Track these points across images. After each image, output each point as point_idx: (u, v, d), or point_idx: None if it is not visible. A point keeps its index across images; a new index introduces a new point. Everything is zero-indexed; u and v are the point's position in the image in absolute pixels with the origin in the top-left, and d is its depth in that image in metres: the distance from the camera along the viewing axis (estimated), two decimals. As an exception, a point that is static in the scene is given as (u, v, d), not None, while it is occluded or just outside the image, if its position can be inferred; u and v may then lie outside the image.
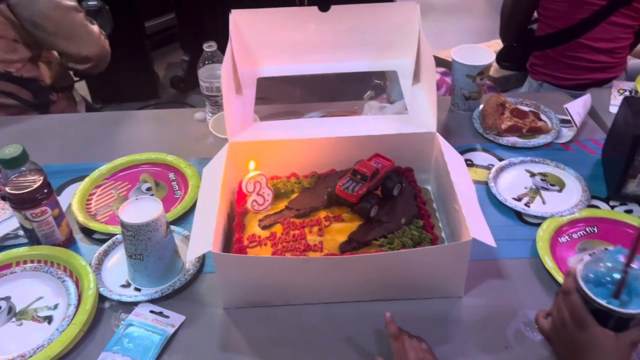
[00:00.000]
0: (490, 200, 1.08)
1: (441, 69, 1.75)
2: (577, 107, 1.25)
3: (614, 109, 1.28)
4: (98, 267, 0.96)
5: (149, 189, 1.14)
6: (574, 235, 1.00)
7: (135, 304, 0.90)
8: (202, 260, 0.96)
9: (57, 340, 0.83)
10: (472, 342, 0.84)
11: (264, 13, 1.13)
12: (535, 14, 1.65)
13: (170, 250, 0.91)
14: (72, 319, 0.86)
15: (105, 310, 0.90)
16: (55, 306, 0.90)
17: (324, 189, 1.01)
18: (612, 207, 1.06)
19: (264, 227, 0.95)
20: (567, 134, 1.24)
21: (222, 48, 1.11)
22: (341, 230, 0.95)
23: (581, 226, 1.01)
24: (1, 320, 0.88)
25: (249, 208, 0.98)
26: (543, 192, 1.09)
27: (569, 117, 1.23)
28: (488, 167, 1.16)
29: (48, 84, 1.45)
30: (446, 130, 1.28)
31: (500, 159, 1.18)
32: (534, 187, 1.11)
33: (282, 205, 1.00)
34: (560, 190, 1.10)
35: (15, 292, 0.92)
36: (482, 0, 3.84)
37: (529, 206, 1.06)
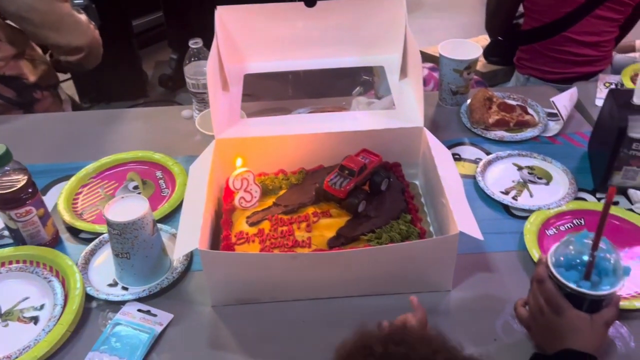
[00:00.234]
0: (478, 194, 1.08)
1: (429, 65, 1.75)
2: (564, 100, 1.25)
3: (600, 102, 1.29)
4: (85, 267, 0.95)
5: (136, 188, 1.13)
6: (561, 228, 1.00)
7: (123, 303, 0.89)
8: (190, 258, 0.96)
9: (43, 340, 0.82)
10: (461, 335, 0.83)
11: (250, 9, 1.13)
12: (522, 8, 1.65)
13: (157, 248, 0.90)
14: (58, 319, 0.85)
15: (92, 310, 0.89)
16: (42, 306, 0.89)
17: (312, 185, 1.01)
18: (599, 200, 1.06)
19: (251, 224, 0.95)
20: (554, 127, 1.25)
21: (209, 45, 1.11)
22: (329, 225, 0.95)
23: (568, 219, 1.02)
24: (-13, 322, 0.87)
25: (236, 205, 0.97)
26: (530, 186, 1.10)
27: (555, 111, 1.24)
28: (476, 161, 1.16)
29: (32, 82, 1.43)
30: (434, 124, 1.29)
31: (488, 153, 1.18)
32: (521, 180, 1.11)
33: (269, 201, 1.00)
34: (547, 183, 1.10)
35: (1, 292, 0.91)
36: (471, -4, 3.85)
37: (516, 199, 1.06)
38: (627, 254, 0.95)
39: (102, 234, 0.99)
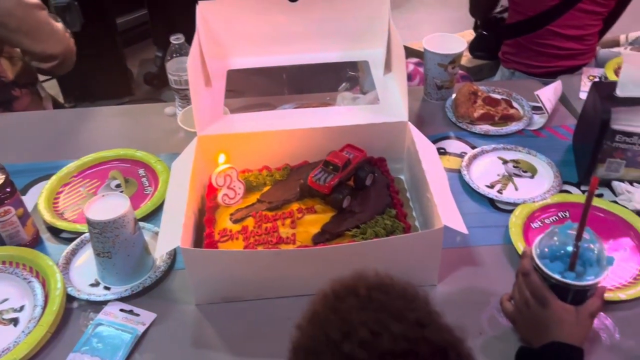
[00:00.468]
0: (464, 188, 1.08)
1: (415, 59, 1.75)
2: (548, 93, 1.26)
3: (584, 95, 1.29)
4: (66, 267, 0.93)
5: (118, 186, 1.12)
6: (546, 221, 1.00)
7: (105, 303, 0.88)
8: (173, 256, 0.95)
9: (23, 342, 0.81)
10: (447, 330, 0.84)
11: (232, 4, 1.12)
12: (506, 2, 1.65)
13: (139, 247, 0.89)
14: (38, 321, 0.84)
15: (73, 311, 0.88)
16: (21, 308, 0.87)
17: (296, 181, 1.00)
18: (583, 192, 1.07)
19: (235, 221, 0.94)
20: (539, 120, 1.25)
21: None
22: (314, 221, 0.94)
23: (553, 211, 1.02)
24: (-35, 324, 0.86)
25: (219, 202, 0.96)
26: (515, 179, 1.10)
27: (540, 104, 1.24)
28: (461, 155, 1.16)
29: (10, 80, 1.41)
30: (419, 119, 1.28)
31: (473, 147, 1.18)
32: (506, 174, 1.11)
33: (253, 198, 0.99)
34: (532, 177, 1.10)
35: (-20, 294, 0.90)
36: (457, -8, 3.86)
37: (501, 193, 1.06)
38: (612, 246, 0.95)
39: (84, 233, 0.98)
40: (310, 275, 0.86)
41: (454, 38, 1.31)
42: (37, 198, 1.07)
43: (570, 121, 1.24)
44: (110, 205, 0.85)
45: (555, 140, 1.20)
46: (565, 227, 0.74)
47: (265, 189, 1.01)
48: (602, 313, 0.83)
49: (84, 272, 0.93)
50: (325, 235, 0.91)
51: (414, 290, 0.52)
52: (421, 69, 1.59)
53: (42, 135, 1.27)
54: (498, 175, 1.11)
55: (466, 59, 2.09)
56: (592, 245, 0.72)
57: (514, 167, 1.12)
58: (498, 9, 1.84)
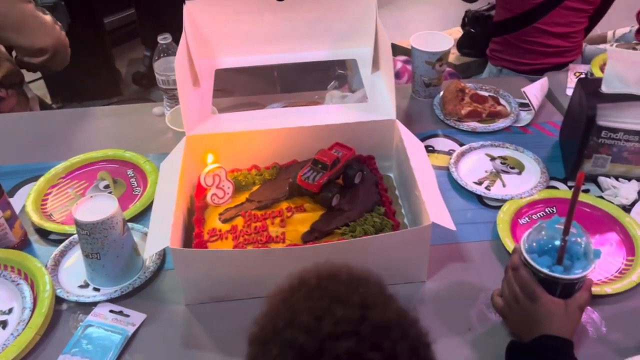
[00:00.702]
0: (452, 185, 1.09)
1: (403, 58, 1.75)
2: (535, 90, 1.27)
3: (570, 92, 1.30)
4: (55, 269, 0.93)
5: (106, 187, 1.11)
6: (534, 217, 1.01)
7: (94, 304, 0.87)
8: (162, 257, 0.95)
9: (12, 345, 0.80)
10: (436, 326, 0.84)
11: (219, 3, 1.12)
12: (494, 0, 1.66)
13: (128, 248, 0.89)
14: (27, 323, 0.83)
15: (62, 312, 0.87)
16: (10, 310, 0.87)
17: (286, 180, 1.00)
18: (570, 188, 1.08)
19: (224, 221, 0.94)
20: (526, 117, 1.26)
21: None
22: (303, 220, 0.94)
23: (540, 207, 1.03)
24: (-47, 328, 0.85)
25: (208, 202, 0.96)
26: (503, 175, 1.10)
27: (527, 101, 1.25)
28: (449, 153, 1.16)
29: (-5, 80, 1.40)
30: (408, 117, 1.29)
31: (461, 144, 1.19)
32: (494, 170, 1.12)
33: (242, 197, 0.99)
34: (519, 173, 1.11)
35: (-33, 298, 0.89)
36: (445, -11, 3.87)
37: (489, 189, 1.07)
38: (598, 241, 0.96)
39: (72, 234, 0.97)
40: (299, 273, 0.86)
41: (441, 36, 1.31)
42: (24, 200, 1.06)
43: (557, 117, 1.26)
44: (99, 206, 0.85)
45: (542, 136, 1.21)
46: (553, 222, 0.75)
47: (255, 188, 1.02)
48: (589, 307, 0.84)
49: (73, 274, 0.92)
50: (314, 234, 0.91)
51: (365, 276, 0.54)
52: (409, 67, 1.60)
53: (29, 137, 1.27)
54: (486, 172, 1.11)
55: (454, 57, 2.10)
56: (579, 239, 0.73)
57: (501, 163, 1.13)
58: (485, 6, 1.85)
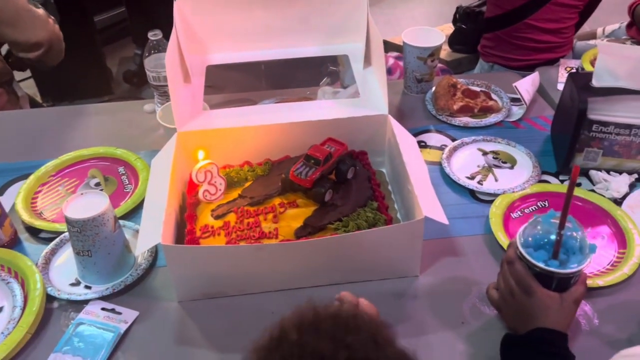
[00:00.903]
0: (444, 179, 1.09)
1: (395, 54, 1.75)
2: (526, 85, 1.27)
3: (561, 86, 1.31)
4: (45, 267, 0.92)
5: (97, 185, 1.10)
6: (526, 211, 1.01)
7: (86, 302, 0.87)
8: (154, 253, 0.94)
9: (2, 344, 0.79)
10: (430, 320, 0.84)
11: (209, 0, 1.11)
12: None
13: (119, 245, 0.88)
14: (18, 322, 0.82)
15: (54, 311, 0.87)
16: (0, 309, 0.86)
17: (278, 176, 1.00)
18: (562, 181, 1.08)
19: (216, 217, 0.94)
20: (517, 112, 1.26)
21: (171, 37, 1.08)
22: (296, 216, 0.94)
23: (532, 201, 1.03)
24: (-58, 327, 0.84)
25: (200, 198, 0.96)
26: (495, 170, 1.11)
27: (518, 96, 1.25)
28: (441, 148, 1.17)
29: (-15, 79, 1.39)
30: (400, 113, 1.29)
31: (453, 140, 1.19)
32: (486, 165, 1.12)
33: (235, 194, 0.99)
34: (511, 167, 1.11)
35: (-43, 297, 0.88)
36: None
37: (481, 184, 1.07)
38: (590, 234, 0.97)
39: (63, 232, 0.96)
40: (293, 269, 0.86)
41: (432, 31, 1.31)
42: (14, 198, 1.05)
43: (549, 112, 1.26)
44: (89, 204, 0.84)
45: (534, 131, 1.21)
46: (548, 216, 0.75)
47: (247, 184, 1.01)
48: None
49: (64, 272, 0.92)
50: (307, 229, 0.91)
51: (354, 320, 0.48)
52: (401, 63, 1.60)
53: (19, 135, 1.25)
54: (478, 166, 1.12)
55: (446, 53, 2.10)
56: (574, 234, 0.73)
57: (493, 158, 1.13)
58: (476, 2, 1.85)
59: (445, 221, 0.83)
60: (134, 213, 1.02)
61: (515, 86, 1.25)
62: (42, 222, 1.00)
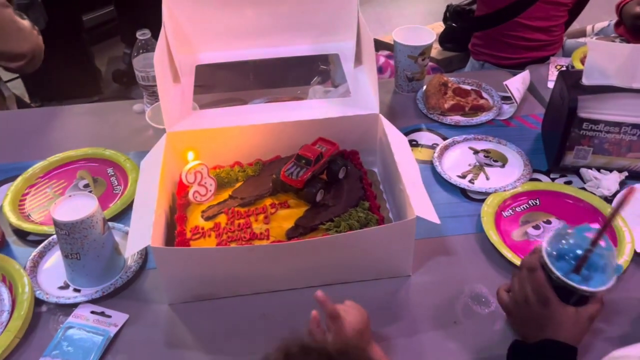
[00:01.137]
0: (436, 178, 1.09)
1: (386, 52, 1.75)
2: (517, 83, 1.27)
3: (552, 85, 1.31)
4: (34, 270, 0.91)
5: (86, 186, 1.09)
6: (517, 209, 1.01)
7: (75, 305, 0.86)
8: (144, 256, 0.93)
9: (-10, 349, 0.78)
10: (422, 319, 0.84)
11: (198, -2, 1.10)
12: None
13: (109, 247, 0.87)
14: (5, 326, 0.81)
15: (42, 315, 0.86)
16: (-13, 314, 0.85)
17: (269, 176, 0.99)
18: (553, 180, 1.08)
19: (207, 218, 0.93)
20: (508, 110, 1.26)
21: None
22: (287, 216, 0.93)
23: (524, 199, 1.03)
24: None
25: (190, 199, 0.95)
26: (486, 168, 1.11)
27: (509, 94, 1.25)
28: (433, 147, 1.16)
29: (-29, 80, 1.37)
30: (391, 112, 1.28)
31: (445, 138, 1.19)
32: (477, 163, 1.12)
33: (225, 194, 0.98)
34: (503, 166, 1.11)
35: (-57, 301, 0.87)
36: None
37: (473, 183, 1.07)
38: (581, 232, 0.97)
39: (51, 235, 0.95)
40: (284, 270, 0.86)
41: (423, 30, 1.31)
42: (2, 200, 1.04)
43: (539, 110, 1.26)
44: (78, 206, 0.83)
45: (525, 129, 1.22)
46: (582, 229, 0.71)
47: (238, 185, 1.00)
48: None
49: (53, 275, 0.90)
50: (299, 230, 0.90)
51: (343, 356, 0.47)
52: (392, 62, 1.59)
53: (6, 136, 1.24)
54: (469, 165, 1.12)
55: (436, 51, 2.10)
56: (605, 252, 0.70)
57: (484, 156, 1.13)
58: (467, 1, 1.85)
59: (436, 220, 0.82)
60: (124, 215, 1.01)
61: (506, 84, 1.25)
62: (30, 225, 0.99)
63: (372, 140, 1.07)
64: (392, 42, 1.30)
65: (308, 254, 0.84)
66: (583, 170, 1.07)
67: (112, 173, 1.11)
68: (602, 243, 0.70)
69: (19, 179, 1.08)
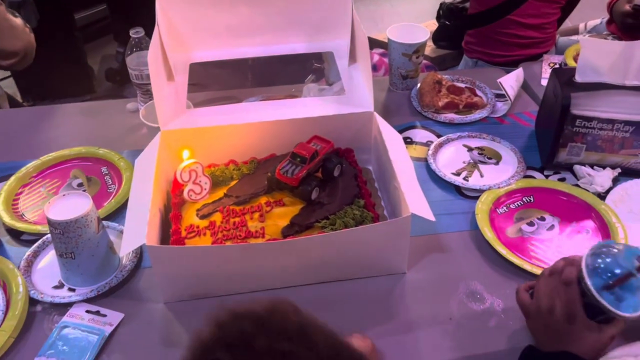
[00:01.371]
0: (430, 176, 1.09)
1: (380, 50, 1.75)
2: (510, 80, 1.28)
3: (545, 82, 1.32)
4: (28, 270, 0.90)
5: (80, 185, 1.09)
6: (512, 206, 1.02)
7: (70, 304, 0.85)
8: (139, 254, 0.93)
9: (-16, 349, 0.78)
10: (417, 316, 0.84)
11: (192, -4, 1.09)
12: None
13: (103, 246, 0.87)
14: (0, 326, 0.81)
15: (37, 314, 0.85)
16: (-18, 314, 0.84)
17: (264, 175, 0.99)
18: (547, 177, 1.09)
19: (202, 217, 0.93)
20: (502, 108, 1.27)
21: (153, 35, 1.07)
22: (283, 214, 0.93)
23: (518, 196, 1.04)
24: None
25: (185, 198, 0.95)
26: (481, 166, 1.11)
27: (503, 92, 1.26)
28: (427, 144, 1.17)
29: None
30: (386, 109, 1.29)
31: (439, 136, 1.19)
32: (471, 161, 1.12)
33: (220, 193, 0.98)
34: (497, 163, 1.12)
35: (-64, 302, 0.86)
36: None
37: (467, 180, 1.07)
38: (575, 228, 0.97)
39: (45, 234, 0.95)
40: (280, 268, 0.86)
41: (417, 28, 1.31)
42: (-6, 200, 1.03)
43: (533, 107, 1.27)
44: (72, 205, 0.83)
45: (518, 126, 1.22)
46: (633, 252, 0.68)
47: (232, 183, 1.00)
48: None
49: (47, 274, 0.90)
50: (294, 228, 0.90)
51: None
52: (386, 60, 1.60)
53: (-2, 135, 1.23)
54: (464, 162, 1.12)
55: (430, 49, 2.11)
56: None
57: (479, 154, 1.14)
58: (459, -1, 1.86)
59: (431, 218, 0.83)
60: (118, 213, 1.01)
61: (499, 82, 1.26)
62: (24, 224, 0.99)
63: (367, 138, 1.07)
64: (386, 40, 1.30)
65: (303, 252, 0.84)
66: (576, 167, 1.08)
67: (106, 172, 1.11)
68: None
69: (12, 178, 1.08)
